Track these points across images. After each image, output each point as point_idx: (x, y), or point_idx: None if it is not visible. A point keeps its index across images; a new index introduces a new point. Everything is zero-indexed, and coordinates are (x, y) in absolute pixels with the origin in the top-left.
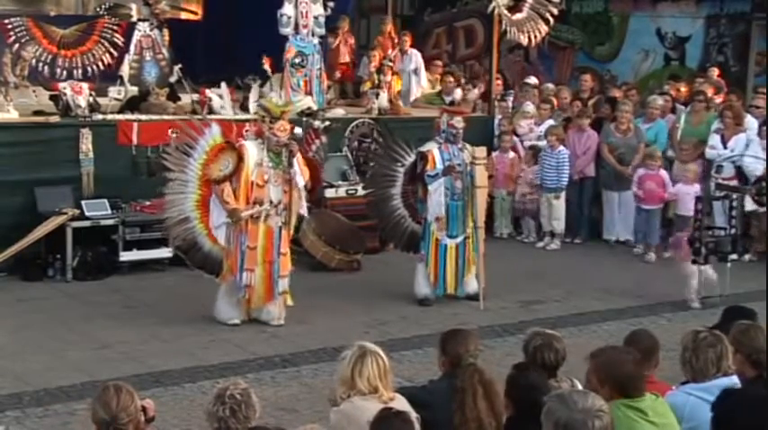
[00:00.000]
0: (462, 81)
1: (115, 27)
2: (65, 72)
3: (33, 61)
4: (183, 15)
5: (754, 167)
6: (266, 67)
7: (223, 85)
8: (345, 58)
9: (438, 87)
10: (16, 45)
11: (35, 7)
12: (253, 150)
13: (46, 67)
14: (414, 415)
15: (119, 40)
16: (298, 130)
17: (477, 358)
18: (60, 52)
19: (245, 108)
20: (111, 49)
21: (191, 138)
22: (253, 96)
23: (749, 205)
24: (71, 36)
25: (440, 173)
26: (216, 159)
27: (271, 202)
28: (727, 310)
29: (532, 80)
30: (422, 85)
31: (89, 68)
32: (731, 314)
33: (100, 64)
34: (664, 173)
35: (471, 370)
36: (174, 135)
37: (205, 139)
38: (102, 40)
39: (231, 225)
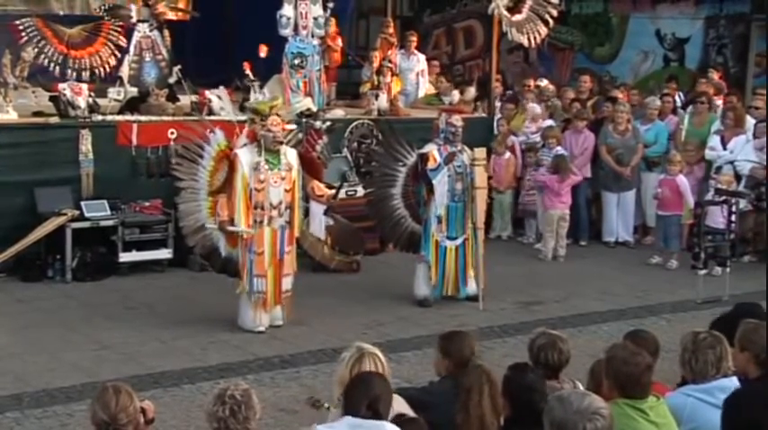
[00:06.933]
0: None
1: (119, 29)
2: (74, 73)
3: (45, 61)
4: (170, 15)
5: (744, 166)
6: (248, 71)
7: (221, 88)
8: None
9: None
10: (30, 46)
11: (43, 7)
12: (246, 157)
13: (57, 68)
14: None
15: (122, 42)
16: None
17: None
18: (70, 52)
19: (244, 109)
20: (116, 52)
21: (195, 144)
22: (252, 97)
23: (742, 204)
24: (78, 36)
25: (442, 164)
26: (219, 168)
27: (271, 205)
28: (738, 306)
29: (544, 82)
30: (425, 86)
31: (96, 71)
32: (741, 310)
33: (107, 66)
34: (681, 179)
35: (479, 370)
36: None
37: (211, 146)
38: (109, 42)
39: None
